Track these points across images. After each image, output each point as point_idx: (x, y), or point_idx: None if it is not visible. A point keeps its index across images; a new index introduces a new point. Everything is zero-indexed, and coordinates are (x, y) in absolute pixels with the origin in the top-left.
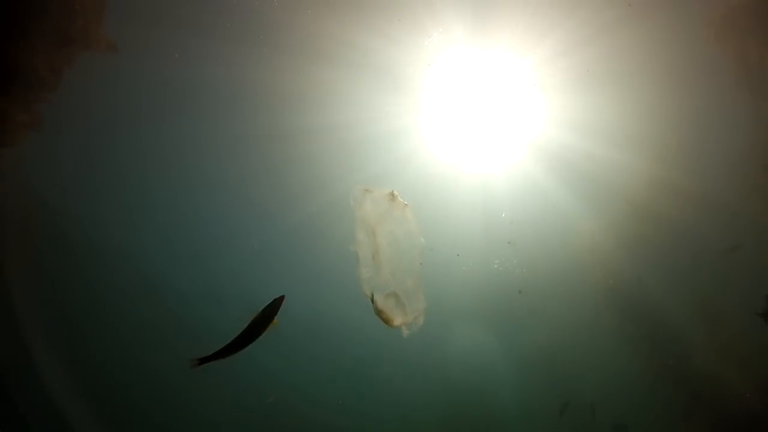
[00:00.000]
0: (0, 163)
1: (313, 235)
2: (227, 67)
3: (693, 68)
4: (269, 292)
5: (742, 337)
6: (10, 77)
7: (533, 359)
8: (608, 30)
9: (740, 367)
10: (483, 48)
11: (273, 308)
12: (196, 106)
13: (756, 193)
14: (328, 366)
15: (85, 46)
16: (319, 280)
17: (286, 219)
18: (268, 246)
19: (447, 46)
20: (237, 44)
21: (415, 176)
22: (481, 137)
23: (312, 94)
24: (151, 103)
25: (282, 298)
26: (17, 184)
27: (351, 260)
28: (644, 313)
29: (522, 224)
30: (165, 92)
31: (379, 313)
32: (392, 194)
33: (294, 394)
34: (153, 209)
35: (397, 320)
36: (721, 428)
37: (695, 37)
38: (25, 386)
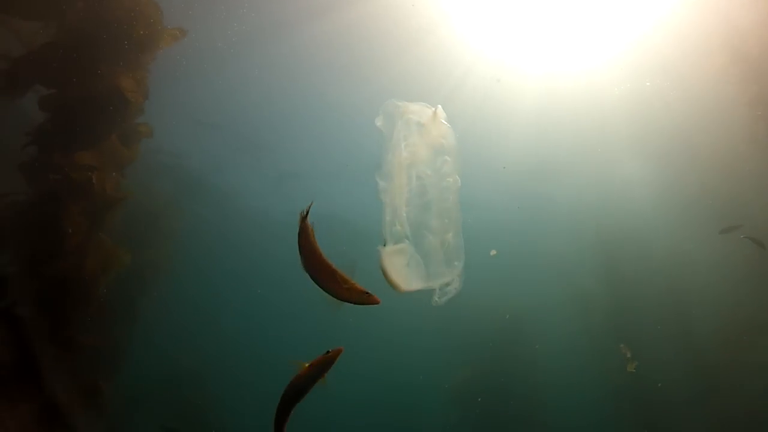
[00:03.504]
0: None
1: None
2: None
3: None
4: None
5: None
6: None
7: None
8: None
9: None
10: None
11: (327, 362)
12: None
13: None
14: None
15: (155, 46)
16: None
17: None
18: None
19: None
20: None
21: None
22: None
23: None
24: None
25: (339, 351)
26: None
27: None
28: None
29: None
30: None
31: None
32: (435, 114)
33: None
34: None
35: (409, 283)
36: None
37: None
38: None
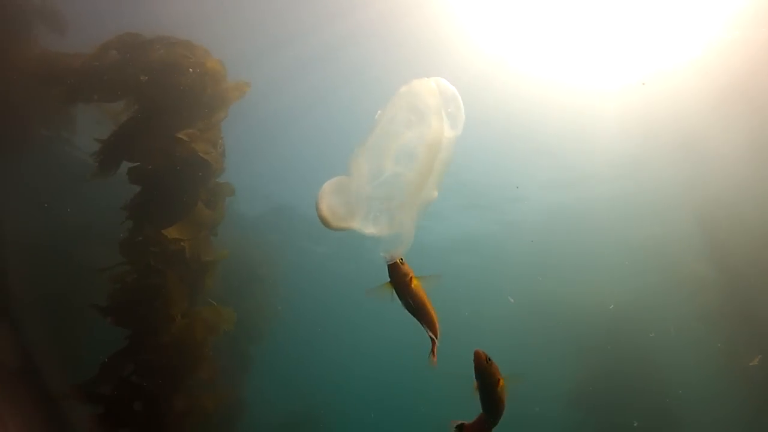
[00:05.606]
0: None
1: None
2: None
3: None
4: None
5: None
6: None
7: None
8: None
9: None
10: None
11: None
12: None
13: None
14: None
15: (225, 103)
16: None
17: None
18: None
19: None
20: None
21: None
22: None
23: None
24: None
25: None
26: None
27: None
28: None
29: None
30: None
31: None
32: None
33: None
34: None
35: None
36: None
37: None
38: None
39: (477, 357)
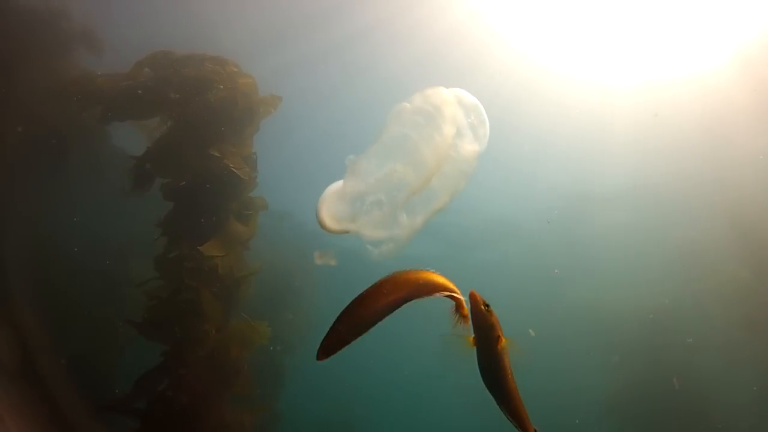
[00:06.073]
0: None
1: None
2: None
3: None
4: None
5: None
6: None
7: None
8: None
9: None
10: None
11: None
12: None
13: None
14: None
15: (256, 118)
16: None
17: None
18: None
19: None
20: None
21: None
22: None
23: None
24: None
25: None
26: None
27: None
28: None
29: None
30: None
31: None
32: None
33: None
34: None
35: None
36: None
37: None
38: None
39: (473, 300)
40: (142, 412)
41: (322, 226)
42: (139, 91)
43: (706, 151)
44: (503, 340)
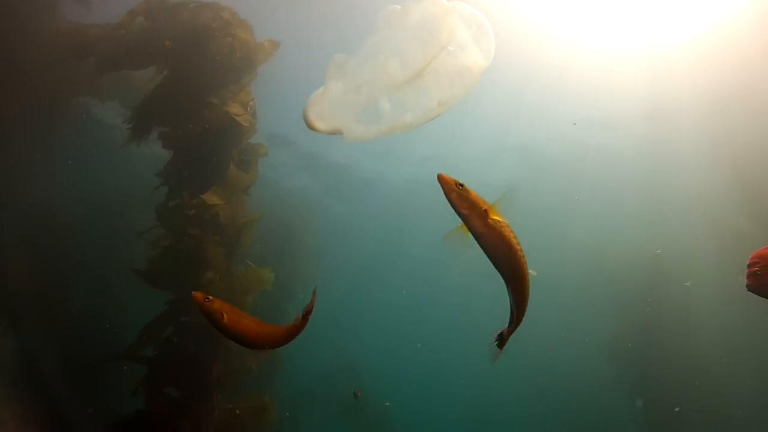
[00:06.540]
0: None
1: None
2: None
3: None
4: None
5: None
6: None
7: None
8: None
9: None
10: None
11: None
12: None
13: None
14: None
15: (254, 65)
16: None
17: None
18: None
19: None
20: None
21: None
22: None
23: None
24: None
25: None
26: None
27: None
28: None
29: None
30: None
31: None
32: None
33: None
34: None
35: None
36: None
37: None
38: None
39: (443, 183)
40: (148, 359)
41: (310, 126)
42: (133, 43)
43: (713, 102)
44: (491, 211)
